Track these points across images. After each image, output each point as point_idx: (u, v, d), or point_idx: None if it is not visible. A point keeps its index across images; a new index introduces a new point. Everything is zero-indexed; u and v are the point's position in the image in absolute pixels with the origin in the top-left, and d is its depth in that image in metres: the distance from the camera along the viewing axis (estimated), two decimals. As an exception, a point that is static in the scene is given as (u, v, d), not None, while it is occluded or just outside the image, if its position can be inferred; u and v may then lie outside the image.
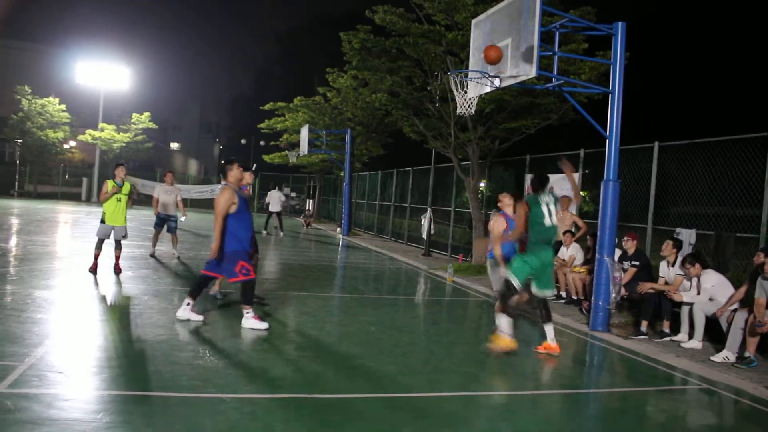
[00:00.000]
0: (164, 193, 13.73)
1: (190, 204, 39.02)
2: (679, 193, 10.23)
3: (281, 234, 22.71)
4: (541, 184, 7.24)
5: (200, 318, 7.67)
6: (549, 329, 7.30)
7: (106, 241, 10.77)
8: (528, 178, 8.94)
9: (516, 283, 6.94)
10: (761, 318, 6.96)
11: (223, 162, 8.18)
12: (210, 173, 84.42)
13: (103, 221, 10.79)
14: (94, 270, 10.57)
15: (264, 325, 7.49)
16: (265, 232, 22.87)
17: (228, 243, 7.43)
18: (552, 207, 7.13)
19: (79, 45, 52.18)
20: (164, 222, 13.75)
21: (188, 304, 7.65)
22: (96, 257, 10.69)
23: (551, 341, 7.23)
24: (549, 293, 7.39)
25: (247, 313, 7.54)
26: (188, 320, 7.57)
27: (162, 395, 5.05)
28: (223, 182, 7.74)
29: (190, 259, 13.69)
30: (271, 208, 23.19)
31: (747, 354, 7.08)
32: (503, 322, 6.95)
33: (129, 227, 11.12)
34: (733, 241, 9.07)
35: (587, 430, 5.23)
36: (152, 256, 13.48)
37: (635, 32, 9.24)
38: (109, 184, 10.77)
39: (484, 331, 9.18)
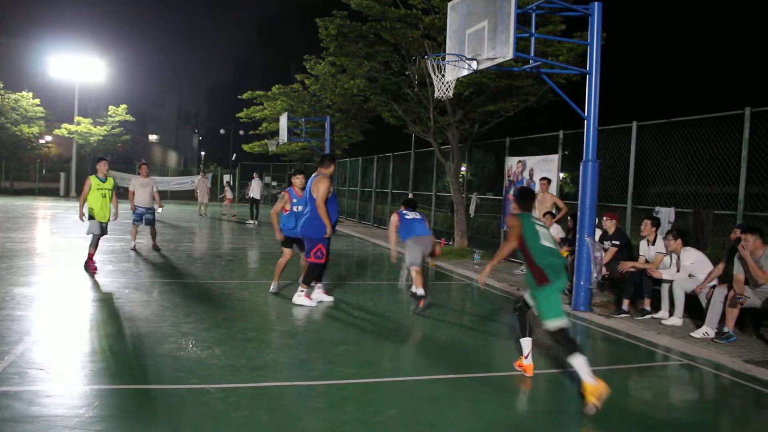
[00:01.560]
0: (140, 185, 13.60)
1: (170, 195, 38.83)
2: (657, 172, 10.30)
3: (255, 222, 23.19)
4: (527, 201, 6.13)
5: (325, 299, 8.79)
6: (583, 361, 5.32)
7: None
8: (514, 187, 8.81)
9: (561, 324, 5.46)
10: (741, 292, 7.06)
11: (324, 156, 8.78)
12: (189, 164, 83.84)
13: (92, 217, 10.55)
14: (95, 270, 10.33)
15: (312, 303, 8.48)
16: (252, 221, 23.29)
17: (317, 227, 8.31)
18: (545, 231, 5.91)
19: (51, 37, 51.42)
20: (142, 215, 13.62)
21: (302, 291, 8.47)
22: (92, 256, 10.48)
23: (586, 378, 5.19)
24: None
25: (302, 291, 8.46)
26: (302, 306, 8.37)
27: (145, 388, 5.02)
28: (320, 172, 8.44)
29: (170, 251, 13.59)
30: (253, 196, 24.26)
31: (726, 329, 7.18)
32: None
33: (75, 221, 10.92)
34: (711, 218, 9.16)
35: (572, 409, 5.27)
36: (133, 249, 13.38)
37: (612, 12, 9.24)
38: (93, 181, 10.60)
39: (467, 314, 9.24)
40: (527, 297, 5.87)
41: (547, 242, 5.74)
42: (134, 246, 13.53)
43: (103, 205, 10.61)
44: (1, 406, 4.46)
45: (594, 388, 5.05)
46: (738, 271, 7.25)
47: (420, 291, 8.47)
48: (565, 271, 5.85)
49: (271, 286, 9.35)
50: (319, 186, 8.27)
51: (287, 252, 9.27)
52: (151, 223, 13.76)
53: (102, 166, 10.81)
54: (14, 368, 5.28)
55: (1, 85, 40.23)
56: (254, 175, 25.27)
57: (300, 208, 8.79)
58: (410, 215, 9.07)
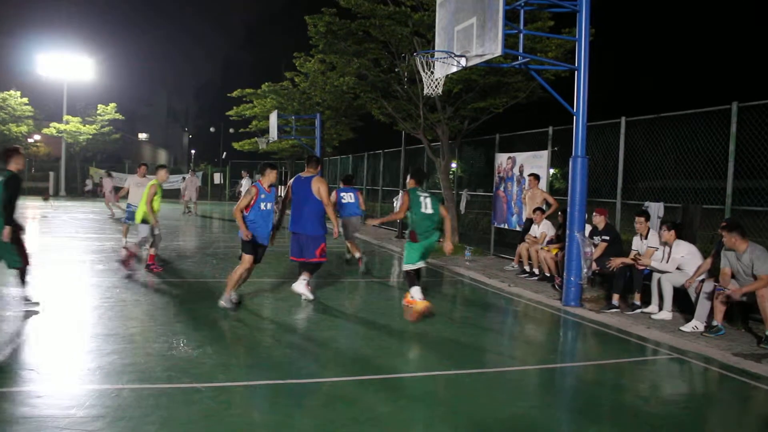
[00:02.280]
0: (135, 184, 13.68)
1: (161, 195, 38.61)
2: (646, 168, 10.36)
3: None
4: (420, 178, 8.38)
5: (310, 296, 8.58)
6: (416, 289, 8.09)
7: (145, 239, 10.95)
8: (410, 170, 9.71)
9: (411, 268, 8.11)
10: (726, 285, 7.12)
11: (312, 156, 8.92)
12: (180, 163, 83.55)
13: (145, 221, 10.81)
14: (157, 270, 10.76)
15: (311, 296, 8.51)
16: None
17: (318, 227, 8.50)
18: (429, 200, 8.12)
19: (40, 36, 51.01)
20: (134, 213, 13.61)
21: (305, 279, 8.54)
22: (154, 257, 10.95)
23: (414, 297, 8.03)
24: (422, 264, 8.26)
25: (304, 279, 8.45)
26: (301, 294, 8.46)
27: (137, 387, 5.01)
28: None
29: (161, 250, 13.55)
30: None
31: (715, 323, 7.23)
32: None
33: (99, 219, 10.95)
34: (700, 213, 9.22)
35: (563, 404, 5.31)
36: (125, 248, 13.38)
37: (600, 8, 9.27)
38: (159, 189, 11.00)
39: (459, 310, 9.27)
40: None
41: (427, 210, 8.03)
42: (126, 244, 13.52)
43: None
44: (-8, 407, 4.45)
45: (417, 303, 7.84)
46: (725, 265, 7.31)
47: (357, 254, 11.48)
48: (435, 232, 8.09)
49: (222, 299, 7.97)
50: (321, 187, 8.45)
51: (247, 259, 7.98)
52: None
53: (163, 174, 11.33)
54: (5, 369, 5.26)
55: (-12, 83, 39.95)
56: (244, 173, 25.08)
57: (268, 205, 8.06)
58: (345, 198, 11.58)
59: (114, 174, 33.49)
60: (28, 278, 7.53)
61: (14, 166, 7.58)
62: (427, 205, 8.05)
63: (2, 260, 7.36)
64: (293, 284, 8.57)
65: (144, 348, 6.09)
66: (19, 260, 7.41)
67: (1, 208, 7.13)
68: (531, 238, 11.39)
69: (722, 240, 7.35)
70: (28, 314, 7.28)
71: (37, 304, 7.50)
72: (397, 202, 10.12)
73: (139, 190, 13.59)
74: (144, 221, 10.70)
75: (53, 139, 44.20)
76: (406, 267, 8.13)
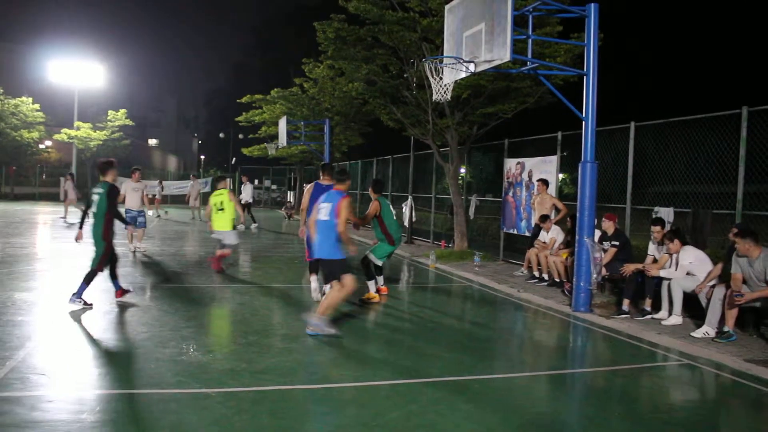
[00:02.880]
0: (131, 189, 14.03)
1: (171, 200, 38.84)
2: (656, 173, 10.32)
3: (253, 227, 22.94)
4: (381, 189, 9.65)
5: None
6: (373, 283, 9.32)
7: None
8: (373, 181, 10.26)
9: (379, 262, 9.33)
10: (739, 290, 7.08)
11: (327, 165, 9.27)
12: (189, 168, 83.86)
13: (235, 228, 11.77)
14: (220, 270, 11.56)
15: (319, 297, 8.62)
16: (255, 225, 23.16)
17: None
18: (391, 206, 9.42)
19: (51, 43, 51.50)
20: (135, 218, 13.93)
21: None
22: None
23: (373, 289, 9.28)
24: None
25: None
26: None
27: (147, 392, 5.03)
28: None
29: (171, 255, 13.60)
30: (247, 200, 23.89)
31: (726, 329, 7.19)
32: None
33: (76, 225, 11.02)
34: (710, 218, 9.18)
35: (573, 410, 5.29)
36: (133, 252, 13.60)
37: (608, 13, 9.28)
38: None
39: (468, 316, 9.26)
40: (370, 255, 9.26)
41: (393, 216, 9.33)
42: (133, 249, 13.78)
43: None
44: (3, 411, 4.48)
45: (370, 294, 9.17)
46: (736, 270, 7.27)
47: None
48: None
49: (316, 323, 7.06)
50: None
51: (352, 279, 7.25)
52: (142, 225, 14.27)
53: (224, 184, 11.83)
54: (16, 373, 5.29)
55: (1, 90, 40.26)
56: (244, 179, 24.97)
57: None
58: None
59: (120, 178, 33.63)
60: (92, 282, 8.15)
61: (110, 177, 8.46)
62: (392, 212, 9.38)
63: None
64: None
65: (154, 353, 6.12)
66: (98, 261, 8.16)
67: (103, 215, 8.10)
68: (540, 244, 11.37)
69: (734, 245, 7.31)
70: (75, 312, 7.61)
71: (90, 306, 7.99)
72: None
73: (136, 194, 13.96)
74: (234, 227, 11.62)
75: (64, 145, 44.52)
76: (375, 259, 9.26)
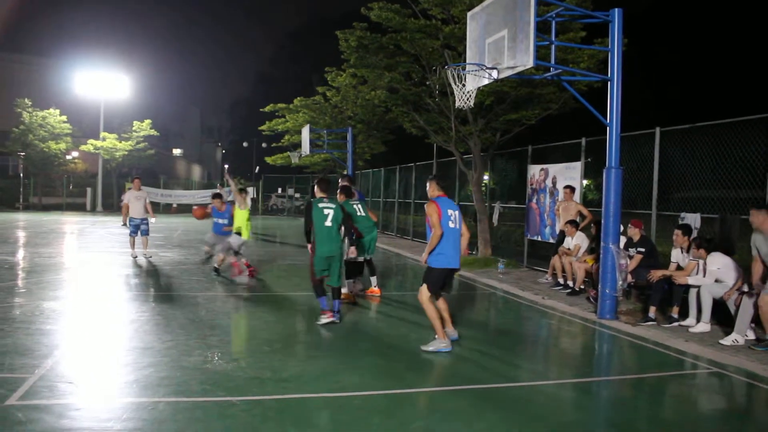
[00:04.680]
0: (134, 198, 14.35)
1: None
2: (682, 178, 10.19)
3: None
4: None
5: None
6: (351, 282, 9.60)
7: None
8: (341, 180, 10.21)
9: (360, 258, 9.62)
10: (756, 280, 6.96)
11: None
12: (213, 178, 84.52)
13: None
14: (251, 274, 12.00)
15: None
16: None
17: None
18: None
19: (77, 55, 52.20)
20: (138, 226, 14.26)
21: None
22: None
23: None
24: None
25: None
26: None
27: (172, 401, 5.06)
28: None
29: (195, 264, 13.70)
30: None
31: (767, 336, 7.05)
32: (348, 281, 9.54)
33: (102, 235, 11.23)
34: (738, 223, 9.04)
35: (600, 419, 5.23)
36: (134, 258, 14.23)
37: (633, 18, 9.20)
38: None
39: (492, 323, 9.20)
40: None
41: (359, 213, 9.55)
42: (134, 255, 14.46)
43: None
44: (32, 419, 4.53)
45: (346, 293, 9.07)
46: (754, 254, 7.13)
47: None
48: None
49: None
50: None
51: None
52: (145, 233, 14.64)
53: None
54: (44, 381, 5.35)
55: (30, 103, 40.95)
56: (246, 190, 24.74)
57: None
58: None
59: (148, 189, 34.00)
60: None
61: (341, 197, 9.44)
62: (357, 210, 9.58)
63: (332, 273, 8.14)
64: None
65: (179, 361, 6.15)
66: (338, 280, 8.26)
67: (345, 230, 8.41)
68: (564, 250, 11.28)
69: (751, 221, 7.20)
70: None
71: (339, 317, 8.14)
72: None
73: (139, 203, 14.22)
74: (238, 233, 11.75)
75: (90, 156, 45.11)
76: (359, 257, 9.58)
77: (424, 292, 6.95)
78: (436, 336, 6.92)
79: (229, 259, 11.87)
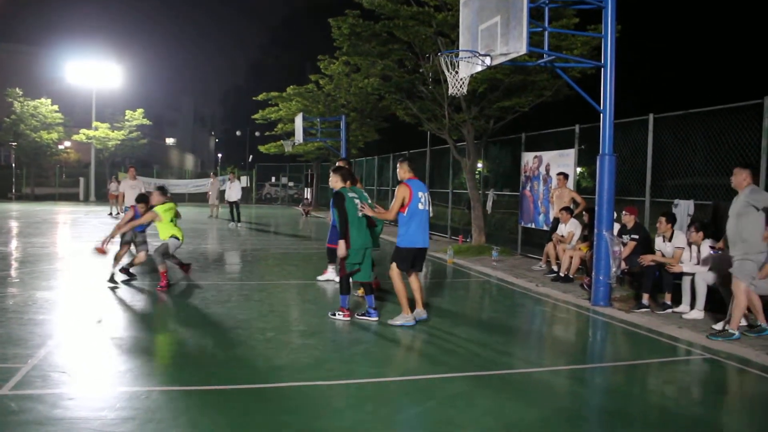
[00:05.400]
0: (129, 187, 14.43)
1: (188, 198, 39.10)
2: (676, 165, 10.20)
3: (238, 225, 22.21)
4: (346, 178, 7.88)
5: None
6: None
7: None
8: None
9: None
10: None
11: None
12: (207, 167, 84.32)
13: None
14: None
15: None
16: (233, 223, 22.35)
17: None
18: (359, 201, 7.62)
19: (68, 44, 51.92)
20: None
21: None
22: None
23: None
24: None
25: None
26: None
27: (167, 389, 5.05)
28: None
29: (187, 253, 13.67)
30: (235, 198, 22.80)
31: (758, 322, 7.08)
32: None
33: (95, 225, 10.96)
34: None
35: (594, 405, 5.24)
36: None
37: (625, 4, 9.17)
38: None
39: (486, 311, 9.22)
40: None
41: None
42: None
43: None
44: (25, 408, 4.51)
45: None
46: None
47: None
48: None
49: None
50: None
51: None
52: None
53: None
54: (37, 372, 5.33)
55: (21, 92, 40.70)
56: (231, 177, 23.98)
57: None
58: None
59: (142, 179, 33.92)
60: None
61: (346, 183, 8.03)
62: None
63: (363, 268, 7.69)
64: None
65: (174, 351, 6.15)
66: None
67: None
68: (557, 237, 11.29)
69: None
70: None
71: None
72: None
73: (134, 192, 14.24)
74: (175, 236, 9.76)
75: (83, 146, 44.95)
76: None
77: (393, 269, 7.50)
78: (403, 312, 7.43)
79: (160, 266, 9.46)
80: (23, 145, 40.49)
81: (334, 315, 7.69)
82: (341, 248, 7.47)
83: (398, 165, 7.78)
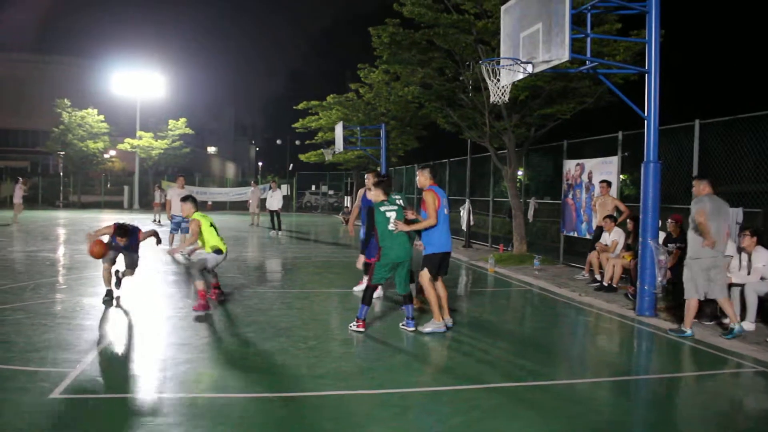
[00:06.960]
0: (176, 196, 14.52)
1: (229, 207, 39.59)
2: (723, 172, 9.96)
3: (279, 233, 22.24)
4: (386, 190, 7.63)
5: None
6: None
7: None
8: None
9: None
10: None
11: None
12: (247, 175, 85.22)
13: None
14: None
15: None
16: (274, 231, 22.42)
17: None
18: (395, 214, 7.47)
19: (114, 55, 53.19)
20: (179, 224, 14.50)
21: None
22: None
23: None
24: None
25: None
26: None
27: (211, 396, 5.11)
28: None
29: (229, 261, 13.82)
30: (276, 207, 22.80)
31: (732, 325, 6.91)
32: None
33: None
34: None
35: (640, 417, 5.13)
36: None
37: (669, 8, 9.00)
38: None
39: (528, 321, 9.11)
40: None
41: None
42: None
43: None
44: (73, 413, 4.60)
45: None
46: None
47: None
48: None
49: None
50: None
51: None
52: (186, 231, 14.32)
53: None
54: (85, 376, 5.44)
55: (69, 103, 41.78)
56: (272, 185, 23.78)
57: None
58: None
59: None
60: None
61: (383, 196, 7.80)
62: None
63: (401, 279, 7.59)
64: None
65: (216, 357, 6.21)
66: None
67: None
68: (601, 246, 11.12)
69: None
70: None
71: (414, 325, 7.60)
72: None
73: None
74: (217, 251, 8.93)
75: (127, 154, 45.97)
76: None
77: (424, 275, 7.52)
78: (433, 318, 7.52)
79: (198, 283, 8.51)
80: (70, 154, 41.56)
81: (351, 326, 7.50)
82: (359, 261, 7.94)
83: (419, 173, 7.91)
